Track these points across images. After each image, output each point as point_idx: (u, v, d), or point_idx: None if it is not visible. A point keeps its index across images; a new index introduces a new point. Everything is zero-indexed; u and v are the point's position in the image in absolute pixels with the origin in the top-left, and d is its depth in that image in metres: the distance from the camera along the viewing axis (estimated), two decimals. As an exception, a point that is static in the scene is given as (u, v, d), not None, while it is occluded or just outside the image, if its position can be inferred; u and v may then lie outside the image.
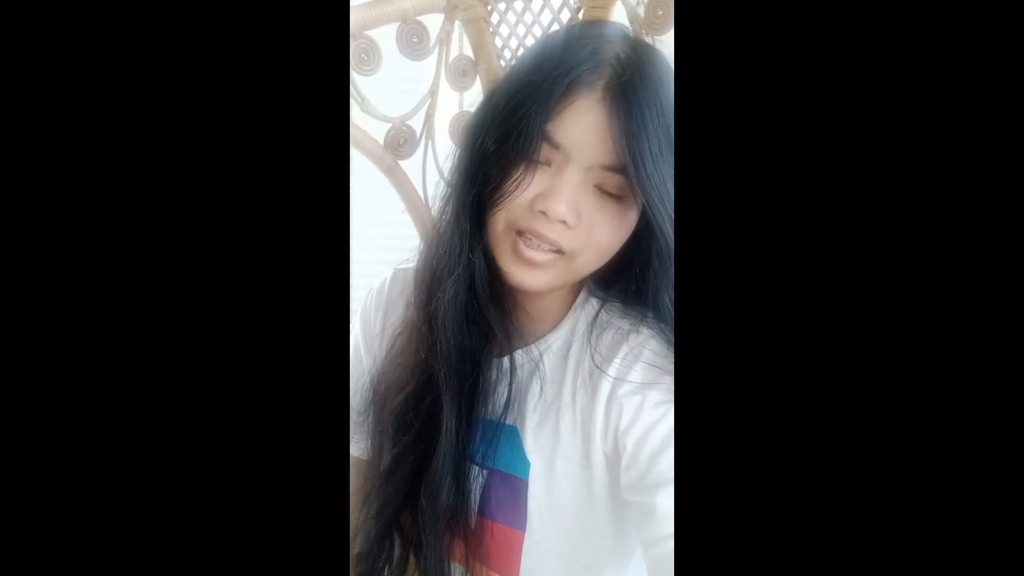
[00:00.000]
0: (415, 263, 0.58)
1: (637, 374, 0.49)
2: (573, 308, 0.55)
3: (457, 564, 0.57)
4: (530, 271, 0.47)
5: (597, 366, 0.50)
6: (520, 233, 0.47)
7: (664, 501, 0.43)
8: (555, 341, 0.55)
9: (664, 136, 0.43)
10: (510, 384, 0.53)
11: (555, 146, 0.44)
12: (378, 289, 0.67)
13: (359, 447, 0.63)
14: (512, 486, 0.54)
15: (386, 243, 0.96)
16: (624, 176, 0.44)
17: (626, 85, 0.43)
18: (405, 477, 0.55)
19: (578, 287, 0.55)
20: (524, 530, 0.54)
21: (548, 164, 0.46)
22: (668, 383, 0.47)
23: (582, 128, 0.44)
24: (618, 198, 0.46)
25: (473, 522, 0.54)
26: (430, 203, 0.77)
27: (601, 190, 0.46)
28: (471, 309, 0.51)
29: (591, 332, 0.52)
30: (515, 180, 0.45)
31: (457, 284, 0.50)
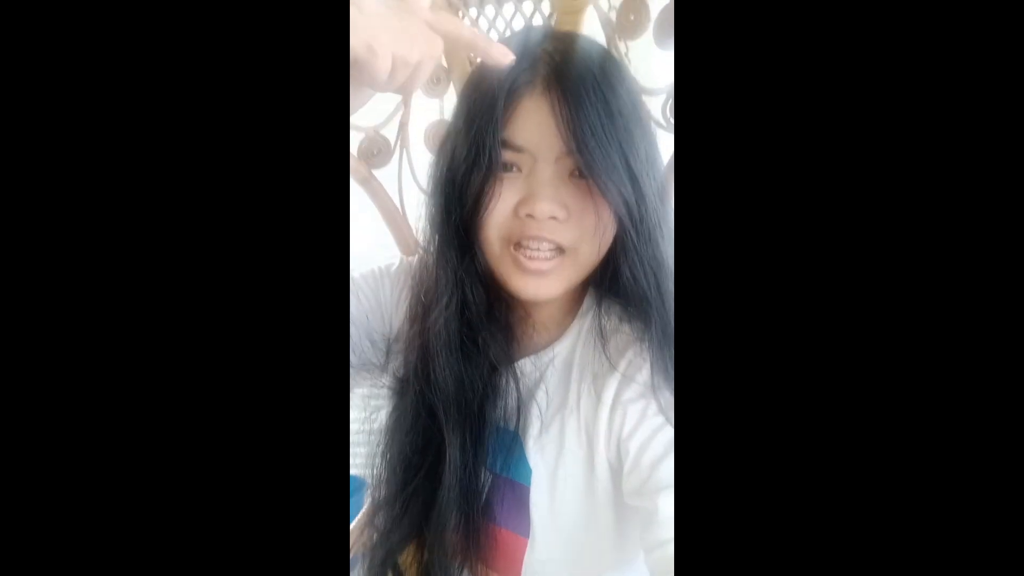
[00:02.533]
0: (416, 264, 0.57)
1: (644, 376, 0.49)
2: (579, 315, 0.55)
3: (464, 569, 0.56)
4: (542, 281, 0.47)
5: (608, 360, 0.50)
6: (517, 245, 0.47)
7: (666, 506, 0.44)
8: (562, 349, 0.54)
9: (603, 110, 0.44)
10: (518, 392, 0.53)
11: (518, 150, 0.45)
12: (396, 272, 0.63)
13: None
14: (515, 492, 0.54)
15: (365, 251, 0.95)
16: None
17: (559, 72, 0.45)
18: (414, 519, 0.55)
19: (582, 292, 0.55)
20: (527, 536, 0.54)
21: (519, 168, 0.46)
22: (662, 370, 0.48)
23: (536, 125, 0.45)
24: None
25: (478, 526, 0.54)
26: (407, 212, 0.76)
27: (578, 176, 0.46)
28: (466, 337, 0.51)
29: (597, 337, 0.52)
30: (488, 195, 0.46)
31: (447, 313, 0.50)
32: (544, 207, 0.44)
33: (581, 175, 0.46)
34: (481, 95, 0.45)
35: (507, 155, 0.45)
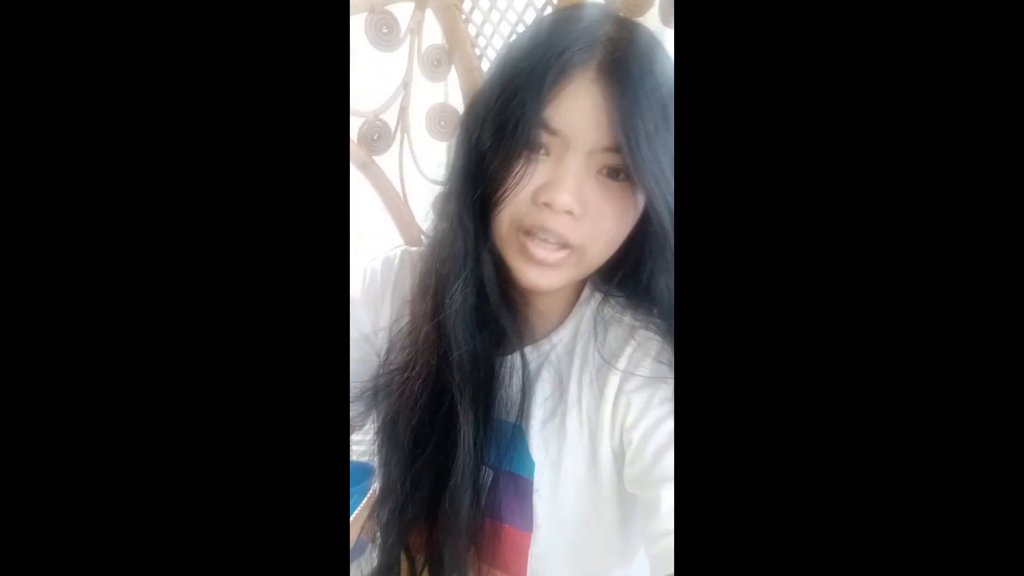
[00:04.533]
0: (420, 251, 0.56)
1: (645, 369, 0.48)
2: (578, 304, 0.54)
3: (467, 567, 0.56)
4: (543, 271, 0.46)
5: (606, 361, 0.49)
6: (527, 232, 0.45)
7: (668, 497, 0.43)
8: (561, 338, 0.53)
9: (660, 114, 0.42)
10: (524, 376, 0.52)
11: (553, 133, 0.43)
12: (383, 267, 0.62)
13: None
14: (518, 486, 0.53)
15: (366, 242, 0.94)
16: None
17: (619, 62, 0.42)
18: (424, 497, 0.53)
19: (583, 282, 0.54)
20: (530, 530, 0.53)
21: (548, 153, 0.44)
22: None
23: (579, 111, 0.42)
24: (623, 183, 0.44)
25: (481, 523, 0.53)
26: (408, 199, 0.75)
27: (605, 176, 0.44)
28: (482, 313, 0.50)
29: (596, 328, 0.50)
30: (516, 174, 0.43)
31: (466, 289, 0.48)
32: (564, 199, 0.42)
33: (608, 175, 0.44)
34: (530, 64, 0.43)
35: (541, 135, 0.43)
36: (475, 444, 0.51)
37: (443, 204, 0.50)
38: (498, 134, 0.43)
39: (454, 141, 0.50)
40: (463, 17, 0.70)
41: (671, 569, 0.41)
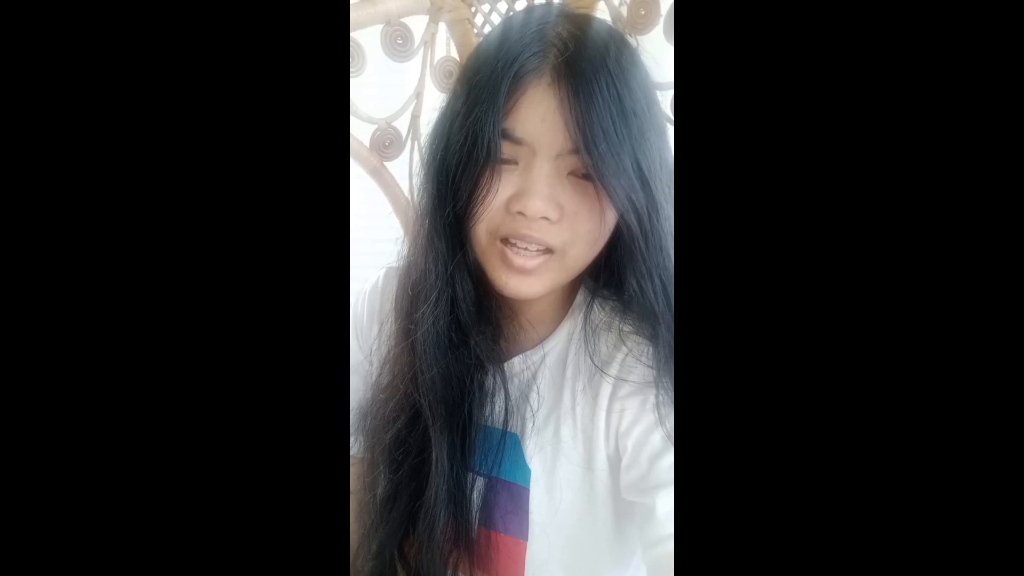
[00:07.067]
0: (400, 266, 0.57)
1: (638, 375, 0.47)
2: (571, 311, 0.53)
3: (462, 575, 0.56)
4: (525, 279, 0.45)
5: (598, 368, 0.48)
6: (505, 241, 0.45)
7: (664, 503, 0.43)
8: (553, 346, 0.53)
9: (616, 110, 0.41)
10: (507, 392, 0.51)
11: (517, 142, 0.42)
12: (371, 292, 0.63)
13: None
14: (513, 494, 0.52)
15: (372, 247, 0.95)
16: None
17: (571, 62, 0.41)
18: (401, 516, 0.53)
19: (575, 288, 0.53)
20: (526, 539, 0.53)
21: (515, 162, 0.44)
22: (668, 384, 0.46)
23: (540, 117, 0.42)
24: (596, 182, 0.43)
25: (475, 533, 0.53)
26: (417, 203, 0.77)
27: (577, 176, 0.44)
28: (454, 335, 0.49)
29: (588, 334, 0.50)
30: (483, 188, 0.43)
31: (436, 310, 0.47)
32: (537, 206, 0.42)
33: (581, 175, 0.43)
34: (483, 77, 0.43)
35: (505, 146, 0.43)
36: (451, 468, 0.50)
37: (415, 225, 0.50)
38: (462, 150, 0.43)
39: (420, 162, 0.49)
40: (475, 31, 0.72)
41: (669, 574, 0.41)
